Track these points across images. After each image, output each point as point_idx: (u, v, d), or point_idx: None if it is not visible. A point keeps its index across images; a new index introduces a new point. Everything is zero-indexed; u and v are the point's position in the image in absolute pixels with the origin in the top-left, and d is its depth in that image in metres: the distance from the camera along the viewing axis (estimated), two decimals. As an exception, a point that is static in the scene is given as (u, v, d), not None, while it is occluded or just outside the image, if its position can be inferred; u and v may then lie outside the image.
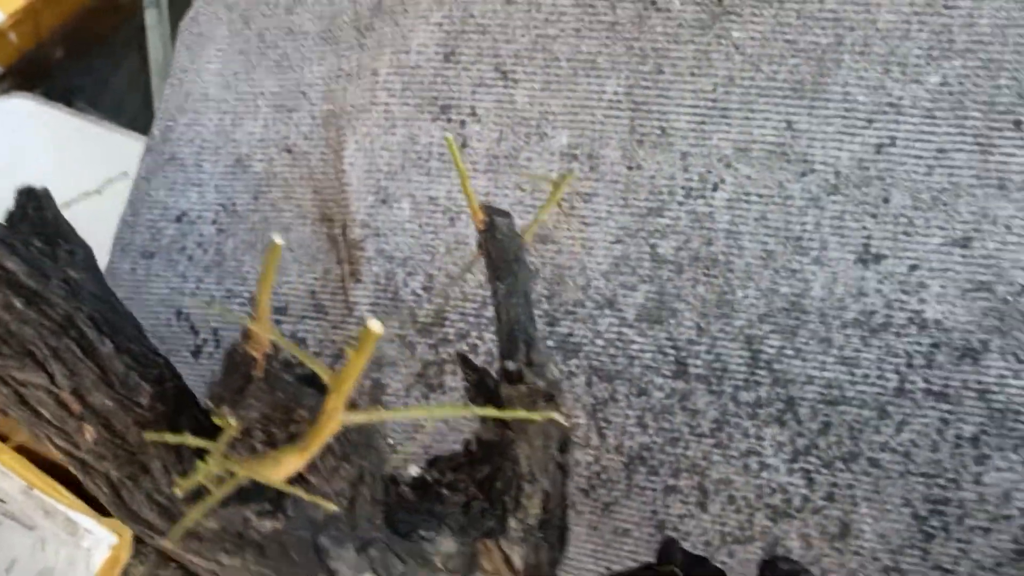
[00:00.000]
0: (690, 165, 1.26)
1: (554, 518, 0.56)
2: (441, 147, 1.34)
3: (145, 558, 1.41)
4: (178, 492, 0.38)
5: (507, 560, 0.54)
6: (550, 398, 0.51)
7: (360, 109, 1.39)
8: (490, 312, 1.31)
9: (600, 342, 1.29)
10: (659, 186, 1.27)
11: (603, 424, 1.30)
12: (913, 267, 1.17)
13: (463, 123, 1.34)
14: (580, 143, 1.30)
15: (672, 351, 1.26)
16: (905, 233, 1.17)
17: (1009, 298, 1.13)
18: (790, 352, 1.22)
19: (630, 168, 1.29)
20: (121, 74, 2.01)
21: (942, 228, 1.16)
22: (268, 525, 0.46)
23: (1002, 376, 1.13)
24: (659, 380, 1.27)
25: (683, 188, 1.26)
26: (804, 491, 1.22)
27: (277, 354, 0.43)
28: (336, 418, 0.39)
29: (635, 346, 1.27)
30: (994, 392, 1.13)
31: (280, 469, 0.43)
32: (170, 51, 1.73)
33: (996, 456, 1.13)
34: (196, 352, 1.48)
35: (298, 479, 0.47)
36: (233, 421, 0.41)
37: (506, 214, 0.60)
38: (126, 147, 1.69)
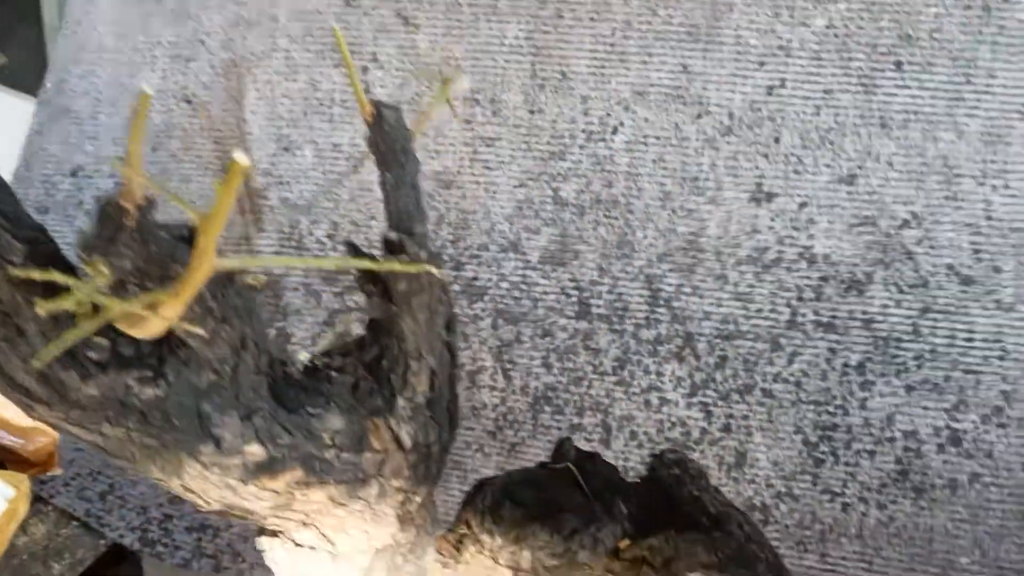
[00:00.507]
0: (590, 109, 1.29)
1: (442, 398, 0.58)
2: (344, 93, 1.34)
3: (45, 517, 1.38)
4: (40, 313, 0.38)
5: (396, 438, 0.56)
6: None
7: (260, 56, 1.38)
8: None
9: (505, 285, 1.30)
10: (560, 130, 1.29)
11: (508, 366, 1.32)
12: (803, 204, 1.21)
13: (365, 69, 1.34)
14: (482, 88, 1.31)
15: (575, 292, 1.28)
16: (795, 172, 1.22)
17: (891, 232, 1.19)
18: (688, 290, 1.25)
19: (532, 112, 1.30)
20: (15, 37, 1.94)
21: (829, 166, 1.21)
22: (149, 392, 0.47)
23: (885, 306, 1.19)
24: (563, 321, 1.29)
25: (584, 131, 1.29)
26: (702, 424, 1.26)
27: (151, 208, 0.43)
28: (208, 260, 0.40)
29: (539, 288, 1.29)
30: (878, 321, 1.19)
31: (155, 319, 0.43)
32: (64, 5, 1.68)
33: (880, 382, 1.19)
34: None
35: (179, 344, 0.47)
36: (104, 268, 0.41)
37: (394, 108, 0.61)
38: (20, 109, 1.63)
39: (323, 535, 0.57)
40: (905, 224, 1.18)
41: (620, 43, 1.28)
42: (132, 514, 1.39)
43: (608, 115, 1.28)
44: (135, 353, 0.46)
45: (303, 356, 0.57)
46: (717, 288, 1.24)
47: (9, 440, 1.32)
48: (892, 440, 1.19)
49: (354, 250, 0.57)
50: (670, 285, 1.25)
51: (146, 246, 0.42)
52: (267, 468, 0.50)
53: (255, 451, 0.50)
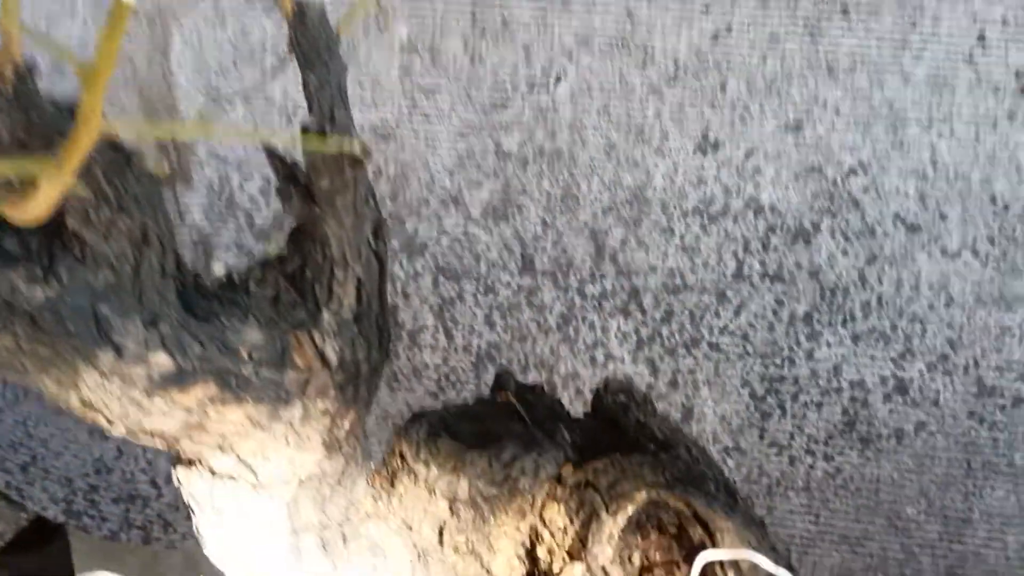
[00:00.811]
0: (533, 58, 1.25)
1: (371, 312, 0.54)
2: (275, 41, 1.28)
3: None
4: None
5: (321, 354, 0.51)
6: (357, 163, 0.48)
7: (186, 3, 1.32)
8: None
9: (446, 240, 1.26)
10: (502, 79, 1.25)
11: (450, 324, 1.29)
12: (749, 153, 1.19)
13: (298, 17, 1.28)
14: (420, 36, 1.27)
15: (518, 247, 1.25)
16: (741, 120, 1.19)
17: (838, 180, 1.17)
18: (634, 243, 1.22)
19: (472, 61, 1.26)
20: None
21: (775, 114, 1.19)
22: (39, 293, 0.42)
23: (832, 255, 1.17)
24: (506, 277, 1.26)
25: (526, 81, 1.25)
26: (649, 379, 1.24)
27: (33, 72, 0.38)
28: (94, 120, 0.35)
29: (481, 243, 1.25)
30: (825, 271, 1.17)
31: (38, 197, 0.38)
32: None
33: (827, 332, 1.17)
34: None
35: (72, 239, 0.43)
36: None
37: (318, 5, 0.57)
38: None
39: (243, 461, 0.52)
40: (852, 172, 1.16)
41: (562, -11, 1.24)
42: (56, 486, 1.32)
43: (551, 64, 1.24)
44: (21, 248, 0.42)
45: (218, 269, 0.53)
46: (663, 241, 1.21)
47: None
48: (839, 391, 1.17)
49: (271, 155, 0.53)
50: (615, 239, 1.23)
51: (26, 115, 0.37)
52: (176, 380, 0.46)
53: (162, 361, 0.45)
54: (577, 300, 1.24)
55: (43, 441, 1.35)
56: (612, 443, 0.62)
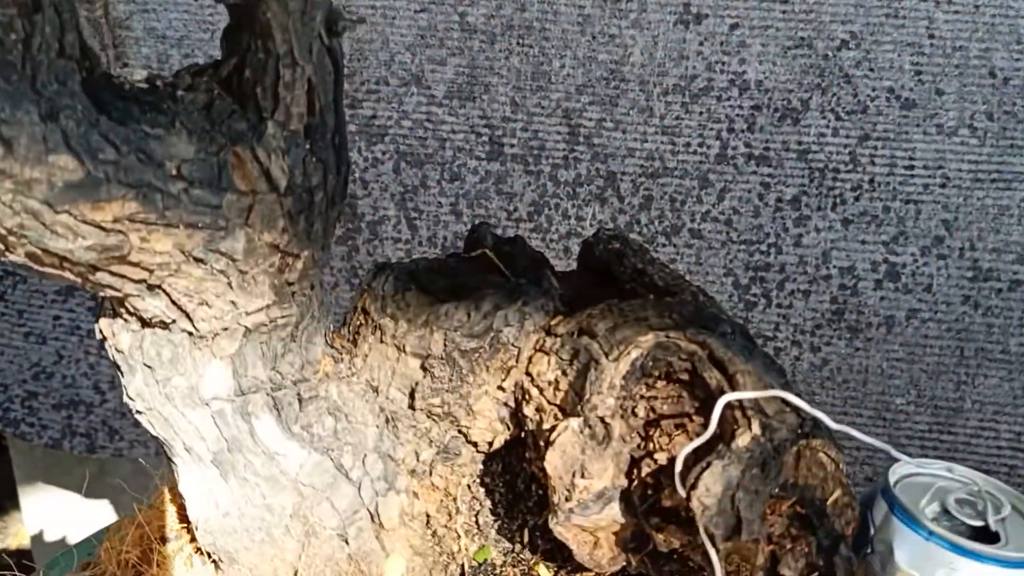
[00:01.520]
0: (500, -79, 1.15)
1: (325, 127, 0.45)
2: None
3: None
4: None
5: (266, 174, 0.43)
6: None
7: None
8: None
9: (407, 124, 1.17)
10: (466, -54, 1.15)
11: (414, 215, 1.20)
12: (734, 26, 1.10)
13: None
14: None
15: (486, 130, 1.16)
16: (725, -11, 1.11)
17: (829, 53, 1.09)
18: (609, 124, 1.14)
19: (434, -75, 1.15)
20: None
21: (763, -18, 1.10)
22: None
23: (821, 135, 1.10)
24: (473, 163, 1.17)
25: (493, -51, 1.15)
26: (626, 270, 1.17)
27: None
28: None
29: (446, 127, 1.16)
30: (814, 151, 1.10)
31: None
32: None
33: (815, 216, 1.11)
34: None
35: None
36: None
37: None
38: None
39: (176, 304, 0.44)
40: (843, 45, 1.08)
41: None
42: (-9, 393, 1.23)
43: (520, -71, 1.14)
44: None
45: (138, 74, 0.44)
46: (641, 122, 1.13)
47: None
48: (827, 278, 1.11)
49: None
50: (590, 120, 1.14)
51: None
52: (85, 191, 0.37)
53: (66, 163, 0.36)
54: (550, 186, 1.16)
55: (-24, 348, 1.25)
56: (605, 296, 0.54)
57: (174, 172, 0.40)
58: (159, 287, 0.43)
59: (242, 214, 0.43)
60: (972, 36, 1.07)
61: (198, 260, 0.43)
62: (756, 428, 0.41)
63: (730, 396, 0.41)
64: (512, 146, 1.16)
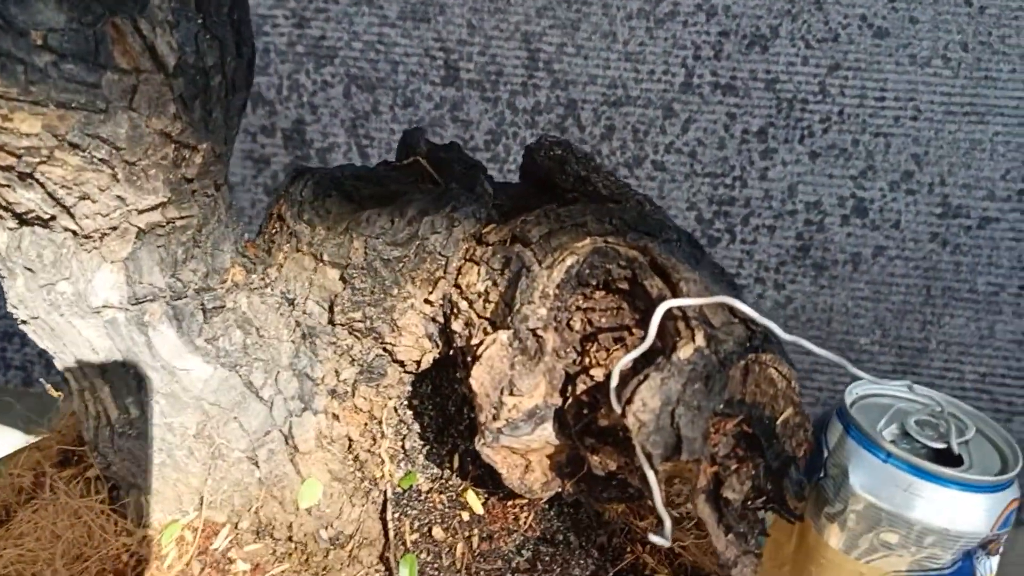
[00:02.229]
0: None
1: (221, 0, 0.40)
2: None
3: None
4: None
5: (151, 50, 0.38)
6: None
7: None
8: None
9: (358, 45, 1.11)
10: None
11: (365, 141, 1.14)
12: (702, -54, 1.05)
13: None
14: None
15: (441, 54, 1.10)
16: (694, -94, 1.05)
17: (800, -23, 1.04)
18: (571, 50, 1.08)
19: None
20: None
21: (733, -100, 1.04)
22: None
23: (791, 64, 1.05)
24: (427, 88, 1.11)
25: None
26: (586, 203, 1.12)
27: None
28: None
29: (399, 49, 1.10)
30: (782, 81, 1.05)
31: None
32: None
33: (782, 149, 1.06)
34: None
35: None
36: None
37: None
38: None
39: (52, 197, 0.39)
40: (815, -32, 1.03)
41: None
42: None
43: None
44: None
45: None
46: (604, 47, 1.08)
47: None
48: (793, 213, 1.07)
49: None
50: (550, 44, 1.09)
51: None
52: (-73, 53, 0.32)
53: (-101, 18, 0.31)
54: (507, 114, 1.11)
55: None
56: (547, 203, 0.50)
57: (39, 42, 0.35)
58: (31, 176, 0.38)
59: (125, 96, 0.38)
60: (949, -38, 1.02)
61: (74, 146, 0.38)
62: (700, 339, 0.37)
63: (671, 303, 0.37)
64: (468, 71, 1.10)
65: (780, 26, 1.05)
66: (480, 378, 0.41)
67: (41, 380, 0.99)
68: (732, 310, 0.38)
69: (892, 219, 1.05)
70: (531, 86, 1.10)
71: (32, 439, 1.19)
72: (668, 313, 0.37)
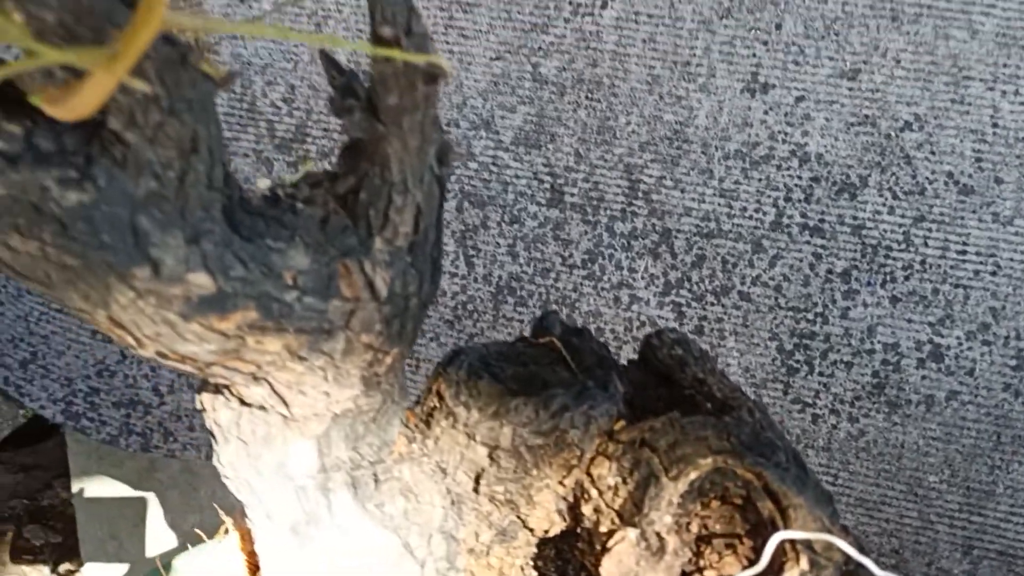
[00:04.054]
0: (579, -22, 1.18)
1: (427, 243, 0.49)
2: (309, -60, 1.21)
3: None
4: None
5: (370, 285, 0.47)
6: (432, 79, 0.43)
7: None
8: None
9: (473, 165, 1.21)
10: (545, 0, 1.19)
11: (472, 252, 1.24)
12: (800, 98, 1.13)
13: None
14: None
15: (548, 178, 1.20)
16: (795, 63, 1.13)
17: (892, 133, 1.11)
18: (669, 183, 1.17)
19: (515, -22, 1.19)
20: None
21: (832, 59, 1.12)
22: (73, 197, 0.37)
23: (877, 212, 1.12)
24: (533, 208, 1.21)
25: (570, 4, 1.18)
26: (674, 324, 1.20)
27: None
28: (158, 10, 0.30)
29: (510, 171, 1.20)
30: (868, 228, 1.12)
31: (85, 92, 0.33)
32: None
33: (864, 291, 1.13)
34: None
35: (112, 141, 0.38)
36: (17, 15, 0.31)
37: None
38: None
39: (276, 393, 0.48)
40: (907, 126, 1.11)
41: (617, -93, 1.16)
42: (56, 385, 1.29)
43: (598, -13, 1.18)
44: (56, 148, 0.37)
45: (263, 183, 0.48)
46: (701, 183, 1.16)
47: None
48: (871, 352, 1.14)
49: (327, 59, 0.47)
50: (651, 176, 1.17)
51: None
52: (216, 304, 0.41)
53: (202, 282, 0.41)
54: (605, 237, 1.20)
55: (44, 338, 1.31)
56: (665, 398, 0.58)
57: (290, 282, 0.45)
58: (264, 379, 0.47)
59: (345, 318, 0.47)
60: (1035, 128, 1.09)
61: (302, 358, 0.47)
62: (804, 563, 0.44)
63: (784, 534, 0.44)
64: (572, 195, 1.19)
65: (869, 176, 1.12)
66: (610, 569, 0.48)
67: (190, 459, 1.08)
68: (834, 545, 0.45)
69: (967, 367, 1.11)
70: (629, 213, 1.19)
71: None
72: (780, 542, 0.45)
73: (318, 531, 0.53)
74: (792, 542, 0.45)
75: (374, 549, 0.54)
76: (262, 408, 0.50)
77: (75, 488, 1.44)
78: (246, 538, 0.63)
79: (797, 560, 0.44)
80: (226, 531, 0.64)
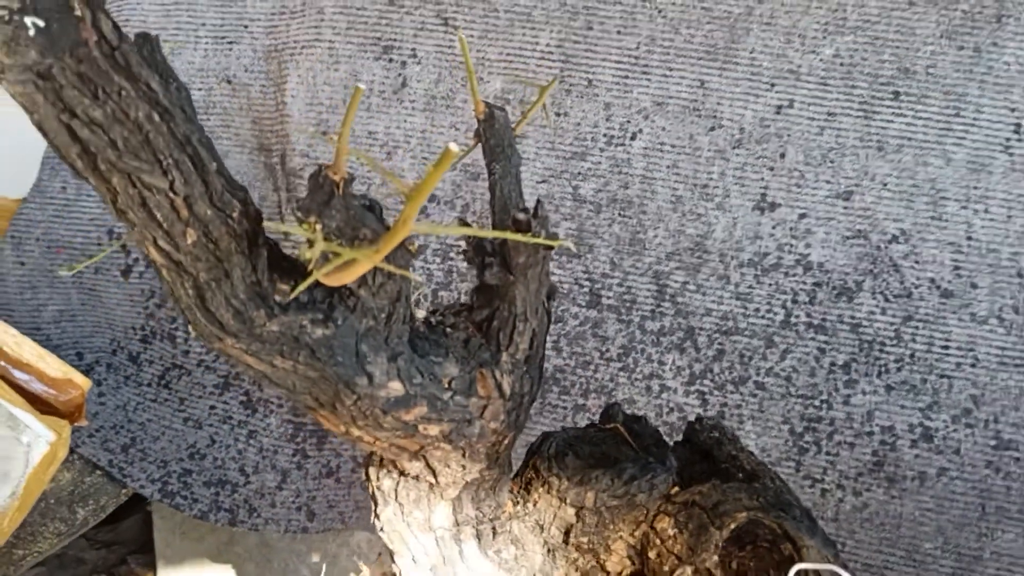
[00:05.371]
0: (612, 115, 1.39)
1: (537, 356, 0.68)
2: (382, 84, 1.43)
3: (71, 465, 1.46)
4: (307, 256, 0.48)
5: (499, 386, 0.65)
6: (549, 248, 0.62)
7: (304, 45, 1.47)
8: (420, 238, 1.42)
9: (522, 273, 1.40)
10: (583, 133, 1.40)
11: (521, 348, 1.43)
12: (802, 215, 1.33)
13: (404, 63, 1.43)
14: (513, 89, 1.41)
15: (588, 283, 1.39)
16: (797, 185, 1.34)
17: (882, 245, 1.31)
18: (692, 287, 1.36)
19: (558, 115, 1.41)
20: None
21: (828, 182, 1.33)
22: (319, 331, 0.56)
23: (871, 312, 1.31)
24: (575, 309, 1.40)
25: (605, 135, 1.39)
26: (698, 410, 1.38)
27: (351, 181, 0.52)
28: (409, 223, 0.50)
29: (555, 277, 1.39)
30: (864, 326, 1.31)
31: (352, 271, 0.53)
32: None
33: (863, 381, 1.31)
34: (126, 271, 1.52)
35: (347, 294, 0.57)
36: (318, 227, 0.51)
37: (501, 108, 0.71)
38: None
39: (429, 466, 0.67)
40: (894, 239, 1.30)
41: (644, 56, 1.39)
42: (153, 467, 1.46)
43: (628, 122, 1.39)
44: (309, 299, 0.56)
45: (420, 313, 0.67)
46: (719, 287, 1.35)
47: (43, 390, 1.39)
48: (870, 434, 1.31)
49: (462, 223, 0.67)
50: (676, 282, 1.37)
51: (347, 211, 0.52)
52: (403, 402, 0.60)
53: (396, 387, 0.59)
54: (637, 334, 1.38)
55: (142, 426, 1.49)
56: (706, 471, 0.76)
57: (447, 386, 0.63)
58: (423, 455, 0.66)
59: (480, 411, 0.66)
60: (1004, 241, 1.29)
61: (450, 440, 0.65)
62: (815, 587, 0.62)
63: (801, 566, 0.62)
64: (608, 298, 1.38)
65: (864, 282, 1.31)
66: (673, 596, 0.66)
67: (273, 533, 1.25)
68: (837, 572, 0.63)
69: (953, 446, 1.28)
70: (658, 313, 1.38)
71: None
72: (797, 571, 0.62)
73: (452, 570, 0.71)
74: (806, 571, 0.62)
75: (493, 585, 0.72)
76: (416, 478, 0.69)
77: (160, 562, 1.60)
78: (378, 583, 0.81)
79: (811, 584, 0.62)
80: (363, 577, 0.82)
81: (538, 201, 0.61)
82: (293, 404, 1.44)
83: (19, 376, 1.34)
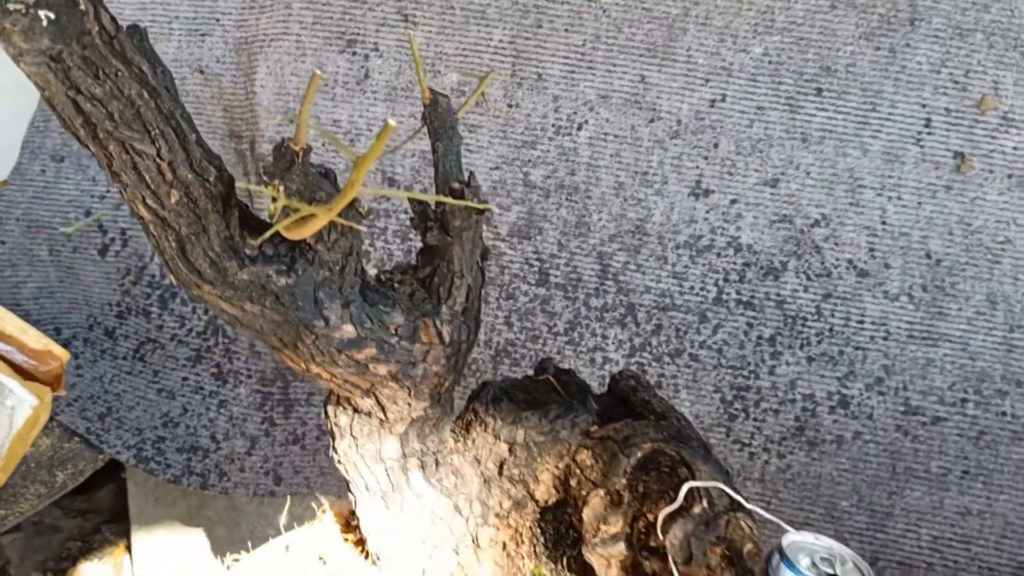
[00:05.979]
0: (560, 107, 1.50)
1: (472, 308, 0.78)
2: (346, 76, 1.53)
3: (50, 431, 1.54)
4: (272, 207, 0.58)
5: (439, 334, 0.76)
6: (480, 212, 0.72)
7: (273, 38, 1.56)
8: (383, 223, 1.52)
9: (476, 253, 1.51)
10: (533, 123, 1.51)
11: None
12: (733, 201, 1.45)
13: (367, 56, 1.53)
14: (468, 82, 1.52)
15: (537, 263, 1.50)
16: (729, 173, 1.45)
17: (805, 229, 1.43)
18: (633, 267, 1.48)
19: (510, 106, 1.51)
20: None
21: (757, 171, 1.45)
22: (283, 280, 0.66)
23: (795, 290, 1.43)
24: (524, 287, 1.51)
25: (553, 126, 1.50)
26: (638, 381, 1.49)
27: (309, 151, 0.63)
28: (357, 185, 0.60)
29: (506, 257, 1.50)
30: (789, 303, 1.43)
31: (310, 226, 0.63)
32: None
33: (787, 353, 1.43)
34: (103, 250, 1.61)
35: (306, 249, 0.67)
36: (281, 189, 0.61)
37: (445, 95, 0.81)
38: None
39: (379, 403, 0.77)
40: (816, 224, 1.42)
41: (589, 53, 1.50)
42: (128, 434, 1.55)
43: (575, 113, 1.50)
44: (275, 252, 0.66)
45: (371, 270, 0.77)
46: (657, 267, 1.47)
47: (24, 360, 1.48)
48: (793, 401, 1.43)
49: (411, 199, 0.77)
50: (618, 262, 1.48)
51: (306, 176, 0.62)
52: (355, 344, 0.70)
53: (349, 330, 0.70)
54: (583, 310, 1.49)
55: (118, 396, 1.58)
56: (624, 413, 0.87)
57: (393, 332, 0.74)
58: (373, 392, 0.76)
59: (423, 355, 0.76)
60: (915, 225, 1.41)
61: (397, 380, 0.76)
62: (704, 503, 0.73)
63: (691, 484, 0.73)
64: (556, 276, 1.49)
65: (788, 262, 1.43)
66: (587, 515, 0.77)
67: (238, 496, 1.35)
68: (723, 489, 0.74)
69: (867, 412, 1.41)
70: (601, 291, 1.49)
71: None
72: (689, 488, 0.74)
73: (400, 497, 0.82)
74: (697, 489, 0.73)
75: (436, 508, 0.82)
76: (368, 414, 0.79)
77: (134, 525, 1.69)
78: (339, 513, 0.91)
79: (700, 501, 0.73)
80: (323, 511, 0.92)
81: (471, 173, 0.72)
82: (261, 375, 1.54)
83: (2, 347, 1.42)
